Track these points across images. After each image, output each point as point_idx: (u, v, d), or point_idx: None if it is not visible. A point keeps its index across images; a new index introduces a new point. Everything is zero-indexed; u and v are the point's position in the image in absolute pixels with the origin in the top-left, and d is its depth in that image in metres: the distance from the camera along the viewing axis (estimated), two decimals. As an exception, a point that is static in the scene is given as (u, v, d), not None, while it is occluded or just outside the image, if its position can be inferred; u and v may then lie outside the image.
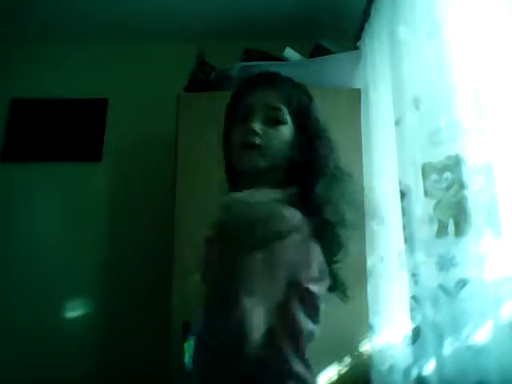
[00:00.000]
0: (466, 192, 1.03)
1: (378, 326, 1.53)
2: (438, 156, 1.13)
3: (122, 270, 2.11)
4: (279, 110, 0.98)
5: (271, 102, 0.99)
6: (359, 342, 1.57)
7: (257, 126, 0.95)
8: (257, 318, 0.77)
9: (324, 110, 1.81)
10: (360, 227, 1.07)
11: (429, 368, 1.11)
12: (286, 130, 0.99)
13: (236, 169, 1.00)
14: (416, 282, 1.19)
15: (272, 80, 1.04)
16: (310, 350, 1.46)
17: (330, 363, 1.55)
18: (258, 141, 0.94)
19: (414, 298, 1.20)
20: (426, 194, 1.16)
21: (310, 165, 0.99)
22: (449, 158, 1.09)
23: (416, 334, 1.18)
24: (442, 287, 1.07)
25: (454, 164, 1.07)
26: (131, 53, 2.43)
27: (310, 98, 1.08)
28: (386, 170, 1.54)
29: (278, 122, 0.98)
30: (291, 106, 1.00)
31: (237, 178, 1.02)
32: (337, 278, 1.05)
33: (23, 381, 1.93)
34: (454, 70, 1.10)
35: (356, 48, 1.96)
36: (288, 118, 0.99)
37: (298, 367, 0.90)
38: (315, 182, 0.96)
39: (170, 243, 1.68)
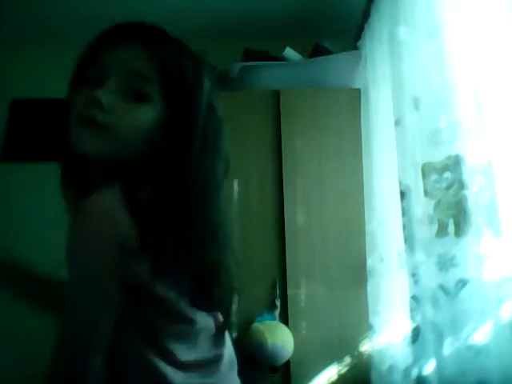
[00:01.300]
0: (466, 192, 1.03)
1: (378, 326, 1.53)
2: (438, 156, 1.13)
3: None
4: (146, 80, 0.70)
5: (136, 66, 0.70)
6: (359, 342, 1.57)
7: (104, 97, 0.67)
8: None
9: (324, 110, 1.82)
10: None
11: (429, 368, 1.11)
12: (149, 111, 0.70)
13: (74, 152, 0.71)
14: (416, 282, 1.19)
15: (148, 36, 0.75)
16: (311, 350, 1.47)
17: (330, 363, 1.55)
18: (101, 117, 0.67)
19: (414, 298, 1.20)
20: (426, 194, 1.16)
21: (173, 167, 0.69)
22: (449, 158, 1.09)
23: (416, 334, 1.18)
24: (441, 287, 1.07)
25: (454, 164, 1.07)
26: (131, 53, 2.43)
27: (201, 70, 0.80)
28: (386, 169, 1.54)
29: (140, 96, 0.70)
30: (165, 76, 0.72)
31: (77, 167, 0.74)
32: None
33: (23, 381, 1.93)
34: (454, 70, 1.10)
35: (356, 48, 1.96)
36: (157, 94, 0.71)
37: None
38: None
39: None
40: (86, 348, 0.66)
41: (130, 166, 0.69)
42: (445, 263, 1.07)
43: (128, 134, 0.69)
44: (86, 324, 0.66)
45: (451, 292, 1.04)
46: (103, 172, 0.72)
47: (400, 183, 1.32)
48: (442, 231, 1.10)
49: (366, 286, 1.61)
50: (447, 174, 1.09)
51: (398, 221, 1.32)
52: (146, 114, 0.70)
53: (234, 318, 0.85)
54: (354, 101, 1.82)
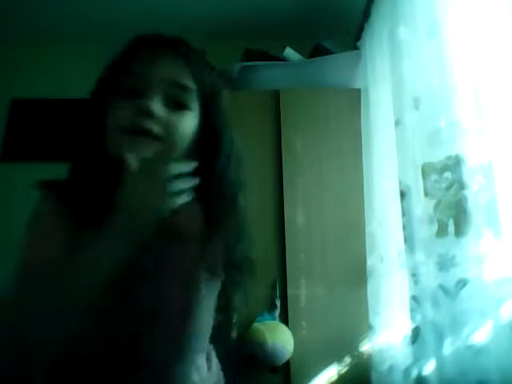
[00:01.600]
0: (466, 192, 1.03)
1: (378, 326, 1.53)
2: (438, 156, 1.13)
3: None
4: (188, 90, 0.73)
5: (178, 76, 0.72)
6: (359, 342, 1.57)
7: (156, 108, 0.69)
8: None
9: (324, 110, 1.82)
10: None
11: (429, 368, 1.11)
12: (192, 119, 0.73)
13: (113, 158, 0.71)
14: (416, 282, 1.19)
15: (181, 48, 0.76)
16: (311, 350, 1.47)
17: (330, 363, 1.55)
18: (156, 128, 0.69)
19: (414, 298, 1.20)
20: (426, 193, 1.16)
21: (209, 171, 0.75)
22: (449, 158, 1.09)
23: (416, 334, 1.18)
24: (442, 287, 1.07)
25: (454, 164, 1.07)
26: (131, 53, 2.43)
27: (221, 85, 0.85)
28: (386, 169, 1.54)
29: (180, 105, 0.72)
30: (203, 88, 0.75)
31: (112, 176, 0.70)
32: None
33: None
34: (454, 69, 1.10)
35: (356, 48, 1.96)
36: (194, 102, 0.74)
37: None
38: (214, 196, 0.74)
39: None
40: None
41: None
42: (445, 263, 1.07)
43: (178, 142, 0.71)
44: None
45: (451, 292, 1.04)
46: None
47: (400, 183, 1.32)
48: (441, 231, 1.10)
49: (365, 286, 1.61)
50: (447, 174, 1.09)
51: (398, 221, 1.32)
52: (190, 122, 0.73)
53: (235, 319, 0.88)
54: (354, 101, 1.82)
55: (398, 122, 1.36)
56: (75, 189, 0.77)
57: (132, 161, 0.66)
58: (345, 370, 1.55)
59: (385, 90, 1.55)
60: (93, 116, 0.76)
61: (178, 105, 0.72)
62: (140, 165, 0.65)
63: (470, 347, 0.98)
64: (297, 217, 1.71)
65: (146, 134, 0.69)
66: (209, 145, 0.75)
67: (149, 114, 0.69)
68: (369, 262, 1.62)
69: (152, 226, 0.64)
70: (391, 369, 1.41)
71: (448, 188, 1.08)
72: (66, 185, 0.83)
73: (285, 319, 1.58)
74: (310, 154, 1.77)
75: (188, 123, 0.73)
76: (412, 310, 1.21)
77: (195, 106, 0.74)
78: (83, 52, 2.43)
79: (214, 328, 0.80)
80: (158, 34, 0.78)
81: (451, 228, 1.06)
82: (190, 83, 0.73)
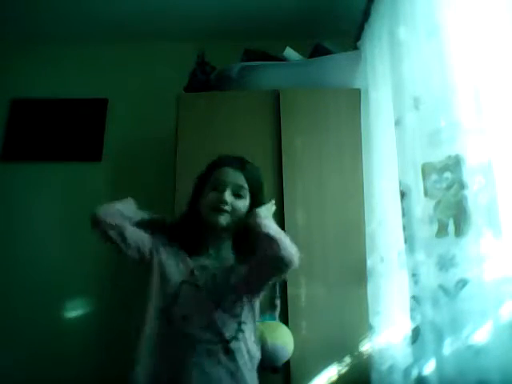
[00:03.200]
0: (466, 192, 1.03)
1: (378, 326, 1.53)
2: (438, 156, 1.13)
3: (122, 270, 2.11)
4: (243, 188, 1.30)
5: (238, 180, 1.31)
6: (359, 342, 1.57)
7: (228, 197, 1.28)
8: None
9: (324, 110, 1.82)
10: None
11: (429, 368, 1.11)
12: (245, 204, 1.30)
13: (205, 222, 1.31)
14: (416, 282, 1.19)
15: (241, 164, 1.34)
16: (311, 350, 1.46)
17: (330, 363, 1.55)
18: (227, 208, 1.28)
19: (414, 298, 1.20)
20: (426, 193, 1.16)
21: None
22: (449, 158, 1.09)
23: (416, 334, 1.18)
24: (442, 287, 1.07)
25: (454, 164, 1.07)
26: (131, 53, 2.43)
27: (262, 180, 1.37)
28: (386, 169, 1.54)
29: (240, 196, 1.30)
30: (251, 186, 1.32)
31: (200, 227, 1.33)
32: None
33: (23, 380, 1.93)
34: (454, 69, 1.10)
35: (356, 48, 1.96)
36: (247, 195, 1.31)
37: None
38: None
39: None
40: None
41: (231, 231, 1.32)
42: (445, 263, 1.07)
43: (238, 215, 1.29)
44: None
45: (451, 292, 1.04)
46: (218, 234, 1.32)
47: (400, 183, 1.32)
48: (441, 231, 1.10)
49: (366, 286, 1.61)
50: (447, 174, 1.09)
51: (398, 221, 1.32)
52: (244, 206, 1.31)
53: None
54: (353, 101, 1.82)
55: (397, 122, 1.36)
56: (181, 233, 1.36)
57: (219, 223, 1.28)
58: (345, 370, 1.55)
59: (385, 90, 1.55)
60: (193, 199, 1.36)
61: (239, 196, 1.30)
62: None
63: (469, 347, 0.98)
64: (297, 217, 1.71)
65: (223, 211, 1.27)
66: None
67: (225, 202, 1.27)
68: (369, 262, 1.62)
69: None
70: (391, 369, 1.41)
71: (448, 188, 1.08)
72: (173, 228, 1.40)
73: (285, 319, 1.58)
74: (310, 154, 1.77)
75: (243, 206, 1.30)
76: (412, 310, 1.21)
77: (247, 196, 1.31)
78: (83, 52, 2.44)
79: None
80: (229, 156, 1.37)
81: (451, 228, 1.07)
82: (244, 184, 1.31)
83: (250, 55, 1.96)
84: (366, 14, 1.83)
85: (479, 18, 1.04)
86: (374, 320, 1.55)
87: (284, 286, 1.62)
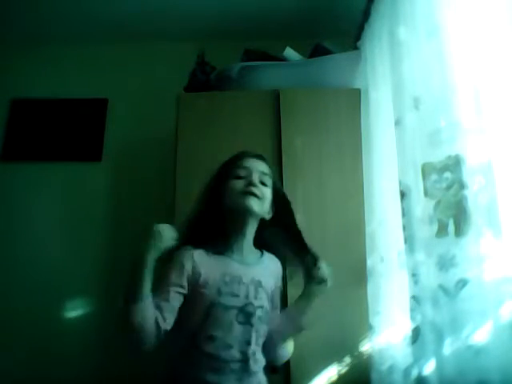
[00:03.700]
0: (466, 192, 1.03)
1: (378, 326, 1.53)
2: (437, 156, 1.13)
3: (122, 270, 2.10)
4: (268, 176, 1.27)
5: (263, 169, 1.27)
6: (359, 342, 1.57)
7: (257, 181, 1.23)
8: None
9: (324, 110, 1.82)
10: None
11: (429, 368, 1.11)
12: (269, 192, 1.27)
13: (233, 209, 1.24)
14: (416, 282, 1.19)
15: (262, 156, 1.32)
16: (311, 350, 1.46)
17: (330, 363, 1.55)
18: (257, 191, 1.22)
19: (414, 298, 1.20)
20: (426, 193, 1.16)
21: (287, 214, 1.32)
22: (449, 158, 1.09)
23: (416, 334, 1.18)
24: (441, 287, 1.07)
25: (454, 164, 1.07)
26: (131, 53, 2.43)
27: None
28: (385, 169, 1.54)
29: (265, 184, 1.26)
30: (273, 177, 1.29)
31: (223, 218, 1.26)
32: None
33: (23, 380, 1.93)
34: (454, 69, 1.10)
35: (356, 48, 1.96)
36: (270, 184, 1.27)
37: None
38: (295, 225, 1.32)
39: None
40: None
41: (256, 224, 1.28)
42: (445, 263, 1.07)
43: (266, 202, 1.25)
44: None
45: (451, 292, 1.04)
46: (248, 223, 1.25)
47: (400, 183, 1.32)
48: (441, 231, 1.10)
49: (366, 286, 1.61)
50: (447, 174, 1.09)
51: (398, 221, 1.32)
52: (269, 193, 1.27)
53: None
54: (353, 101, 1.82)
55: (397, 122, 1.36)
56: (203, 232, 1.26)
57: (251, 207, 1.22)
58: (345, 370, 1.55)
59: (385, 90, 1.55)
60: (215, 190, 1.27)
61: (263, 183, 1.25)
62: None
63: (469, 347, 0.98)
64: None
65: (253, 194, 1.21)
66: (275, 209, 1.30)
67: (254, 184, 1.22)
68: (369, 262, 1.62)
69: None
70: (391, 369, 1.41)
71: (448, 188, 1.08)
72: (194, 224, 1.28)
73: (285, 319, 1.58)
74: (310, 153, 1.77)
75: (269, 193, 1.26)
76: (412, 310, 1.21)
77: (270, 185, 1.27)
78: (83, 52, 2.44)
79: None
80: (250, 152, 1.33)
81: (451, 228, 1.07)
82: (268, 171, 1.28)
83: (250, 55, 1.96)
84: (365, 14, 1.83)
85: (479, 18, 1.04)
86: (374, 320, 1.55)
87: (284, 286, 1.62)
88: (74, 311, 2.11)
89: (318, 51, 1.95)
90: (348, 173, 1.74)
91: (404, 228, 1.29)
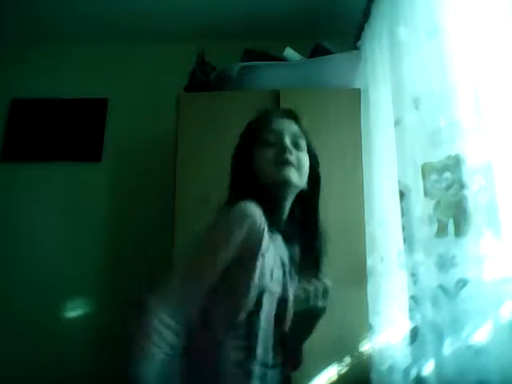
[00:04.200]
0: (466, 192, 1.03)
1: (378, 326, 1.53)
2: (438, 156, 1.13)
3: (122, 270, 2.11)
4: (301, 137, 1.09)
5: (295, 129, 1.10)
6: (359, 342, 1.57)
7: (291, 147, 1.05)
8: None
9: (324, 110, 1.82)
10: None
11: (428, 368, 1.11)
12: (306, 157, 1.09)
13: (269, 185, 1.04)
14: (415, 282, 1.19)
15: (292, 113, 1.14)
16: (311, 350, 1.46)
17: (330, 363, 1.55)
18: (292, 158, 1.04)
19: (414, 298, 1.20)
20: (426, 194, 1.16)
21: (313, 197, 1.15)
22: (449, 158, 1.09)
23: (415, 334, 1.18)
24: (441, 287, 1.07)
25: (454, 164, 1.07)
26: (131, 53, 2.43)
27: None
28: (385, 170, 1.54)
29: (300, 147, 1.08)
30: (306, 138, 1.12)
31: (258, 194, 1.01)
32: None
33: (23, 380, 1.93)
34: (454, 70, 1.10)
35: (356, 48, 1.96)
36: (305, 147, 1.09)
37: None
38: (316, 213, 1.16)
39: (170, 243, 1.68)
40: None
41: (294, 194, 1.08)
42: (445, 263, 1.07)
43: (303, 170, 1.07)
44: None
45: (451, 292, 1.04)
46: (286, 197, 1.06)
47: (400, 183, 1.32)
48: (441, 231, 1.10)
49: (366, 285, 1.61)
50: (447, 174, 1.09)
51: (398, 221, 1.32)
52: (306, 159, 1.08)
53: None
54: (353, 101, 1.82)
55: (397, 122, 1.36)
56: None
57: (289, 178, 1.02)
58: (345, 370, 1.55)
59: (385, 90, 1.55)
60: (243, 160, 1.08)
61: (298, 147, 1.07)
62: None
63: (469, 347, 0.98)
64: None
65: (288, 163, 1.03)
66: (312, 178, 1.11)
67: (288, 151, 1.04)
68: (369, 262, 1.62)
69: None
70: (391, 369, 1.41)
71: (448, 188, 1.08)
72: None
73: (285, 319, 1.58)
74: (310, 153, 1.77)
75: (306, 159, 1.08)
76: (411, 310, 1.21)
77: (305, 148, 1.09)
78: (83, 52, 2.44)
79: None
80: (273, 109, 1.25)
81: (451, 228, 1.06)
82: (301, 135, 1.10)
83: (250, 55, 1.96)
84: (365, 14, 1.83)
85: (479, 18, 1.04)
86: (374, 320, 1.55)
87: (284, 286, 1.62)
88: (74, 311, 2.11)
89: (318, 51, 1.95)
90: (348, 173, 1.74)
91: (403, 228, 1.28)
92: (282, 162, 1.03)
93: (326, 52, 1.93)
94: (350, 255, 1.65)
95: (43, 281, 2.12)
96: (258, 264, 0.92)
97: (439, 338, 1.06)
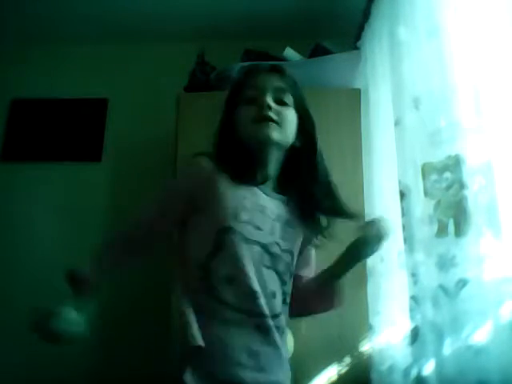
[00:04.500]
0: (466, 192, 1.03)
1: (378, 326, 1.53)
2: (438, 156, 1.13)
3: (122, 270, 2.10)
4: (286, 92, 1.04)
5: (279, 84, 1.04)
6: (359, 342, 1.57)
7: (271, 102, 1.01)
8: None
9: (324, 110, 1.82)
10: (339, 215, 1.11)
11: (428, 368, 1.11)
12: (292, 113, 1.04)
13: (249, 143, 1.02)
14: (415, 282, 1.19)
15: (277, 68, 1.09)
16: (311, 350, 1.46)
17: (330, 363, 1.55)
18: (273, 115, 1.00)
19: (414, 298, 1.20)
20: (426, 193, 1.16)
21: (308, 153, 1.08)
22: (449, 158, 1.09)
23: (415, 334, 1.18)
24: (441, 287, 1.07)
25: (454, 164, 1.07)
26: (131, 53, 2.43)
27: (302, 94, 1.10)
28: (385, 170, 1.54)
29: (284, 103, 1.03)
30: (294, 93, 1.05)
31: (242, 157, 1.02)
32: None
33: (23, 380, 1.93)
34: (454, 70, 1.10)
35: (356, 48, 1.96)
36: (292, 102, 1.04)
37: None
38: (315, 172, 1.08)
39: (170, 242, 1.68)
40: None
41: (283, 152, 1.05)
42: (445, 263, 1.07)
43: (288, 127, 1.03)
44: None
45: (451, 292, 1.04)
46: (269, 155, 1.03)
47: (400, 183, 1.32)
48: (441, 231, 1.10)
49: (366, 286, 1.61)
50: (447, 174, 1.09)
51: (398, 221, 1.32)
52: (292, 115, 1.04)
53: None
54: (353, 101, 1.82)
55: (397, 122, 1.36)
56: (223, 159, 1.03)
57: (268, 135, 0.99)
58: (345, 370, 1.55)
59: (385, 90, 1.55)
60: (227, 117, 1.07)
61: (282, 103, 1.02)
62: None
63: (469, 347, 0.98)
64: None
65: (269, 119, 0.99)
66: (304, 134, 1.07)
67: (268, 107, 0.99)
68: (369, 261, 1.62)
69: None
70: (391, 369, 1.41)
71: (448, 188, 1.08)
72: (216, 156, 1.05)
73: (285, 319, 1.58)
74: (310, 153, 1.77)
75: (291, 114, 1.03)
76: (411, 310, 1.21)
77: (293, 106, 1.04)
78: (83, 52, 2.44)
79: None
80: (263, 63, 1.16)
81: (451, 228, 1.06)
82: (285, 87, 1.04)
83: (250, 55, 1.96)
84: (365, 14, 1.83)
85: (479, 18, 1.04)
86: (374, 320, 1.55)
87: (284, 286, 1.62)
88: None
89: (318, 51, 1.95)
90: (348, 173, 1.74)
91: (404, 228, 1.28)
92: (262, 119, 1.00)
93: (326, 52, 1.93)
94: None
95: (43, 281, 2.11)
96: (212, 207, 0.96)
97: (439, 338, 1.06)
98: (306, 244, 1.11)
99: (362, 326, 1.58)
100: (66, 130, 2.36)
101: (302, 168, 1.07)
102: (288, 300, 1.03)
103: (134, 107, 2.35)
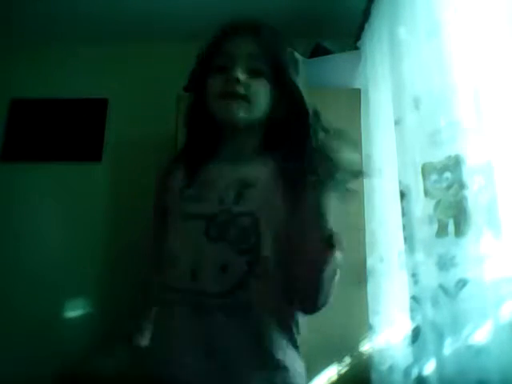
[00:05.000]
0: (466, 192, 1.03)
1: (378, 326, 1.53)
2: (438, 156, 1.13)
3: (122, 270, 2.11)
4: (261, 59, 0.94)
5: (253, 50, 0.94)
6: (359, 341, 1.57)
7: (240, 75, 0.90)
8: None
9: (324, 110, 1.82)
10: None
11: (429, 368, 1.11)
12: (266, 83, 0.94)
13: (214, 117, 0.95)
14: (416, 282, 1.19)
15: (253, 29, 1.00)
16: (311, 350, 1.46)
17: (330, 363, 1.55)
18: (241, 90, 0.90)
19: (414, 298, 1.20)
20: (426, 193, 1.16)
21: (295, 122, 0.92)
22: (449, 158, 1.09)
23: (416, 334, 1.18)
24: (441, 287, 1.07)
25: (454, 164, 1.07)
26: (131, 53, 2.43)
27: (289, 53, 1.00)
28: (385, 169, 1.54)
29: (258, 73, 0.93)
30: (271, 59, 0.94)
31: (215, 135, 0.97)
32: None
33: (23, 379, 1.93)
34: (454, 70, 1.10)
35: (356, 48, 1.96)
36: (268, 72, 0.94)
37: None
38: (304, 143, 0.85)
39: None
40: None
41: (257, 129, 0.95)
42: (445, 263, 1.07)
43: (259, 101, 0.92)
44: None
45: (451, 292, 1.04)
46: (237, 131, 0.94)
47: (400, 183, 1.32)
48: (442, 231, 1.10)
49: (366, 286, 1.61)
50: (447, 174, 1.09)
51: (398, 221, 1.32)
52: (265, 86, 0.93)
53: None
54: (354, 101, 1.82)
55: (397, 122, 1.36)
56: (190, 144, 1.00)
57: (233, 114, 0.90)
58: (345, 369, 1.55)
59: (385, 90, 1.55)
60: (196, 89, 0.99)
61: (256, 72, 0.92)
62: None
63: (469, 347, 0.98)
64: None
65: (236, 95, 0.90)
66: (284, 103, 0.95)
67: (235, 80, 0.90)
68: (369, 262, 1.62)
69: None
70: (391, 369, 1.41)
71: (448, 188, 1.08)
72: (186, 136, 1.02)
73: (285, 319, 1.58)
74: (310, 153, 1.77)
75: (263, 86, 0.93)
76: (412, 310, 1.21)
77: (268, 73, 0.93)
78: (83, 52, 2.44)
79: None
80: (233, 22, 1.04)
81: (451, 228, 1.06)
82: (259, 53, 0.93)
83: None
84: (365, 14, 1.83)
85: (479, 18, 1.04)
86: (374, 320, 1.55)
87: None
88: (74, 311, 2.11)
89: (318, 51, 1.95)
90: (348, 173, 1.74)
91: (404, 228, 1.28)
92: (227, 95, 0.90)
93: (326, 52, 1.93)
94: (350, 255, 1.65)
95: (43, 281, 2.12)
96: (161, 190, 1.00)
97: (439, 338, 1.06)
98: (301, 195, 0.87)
99: (362, 325, 1.58)
100: (65, 130, 2.36)
101: (291, 135, 0.92)
102: (259, 270, 0.88)
103: (134, 107, 2.35)
